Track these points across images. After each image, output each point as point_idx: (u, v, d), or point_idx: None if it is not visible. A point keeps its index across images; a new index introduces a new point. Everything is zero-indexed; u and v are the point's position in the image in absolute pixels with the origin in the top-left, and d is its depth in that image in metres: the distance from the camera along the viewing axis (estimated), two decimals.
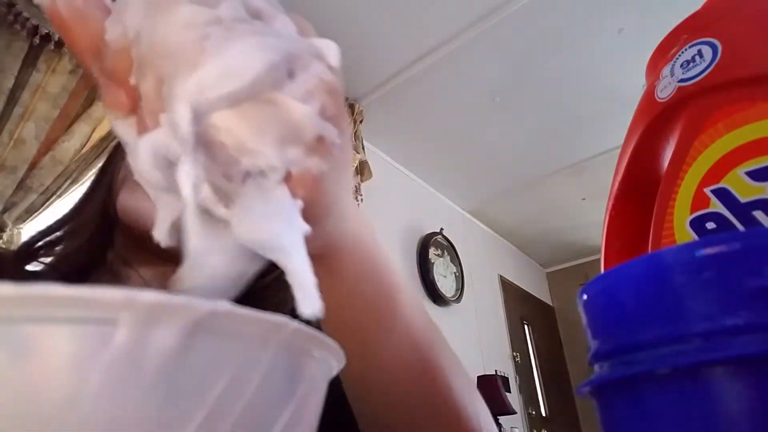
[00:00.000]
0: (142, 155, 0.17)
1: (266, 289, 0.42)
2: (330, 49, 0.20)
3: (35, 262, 0.43)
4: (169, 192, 0.18)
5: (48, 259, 0.44)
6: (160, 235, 0.19)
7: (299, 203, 0.19)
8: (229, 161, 0.18)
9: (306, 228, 0.18)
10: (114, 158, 0.45)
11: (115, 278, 0.43)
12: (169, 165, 0.17)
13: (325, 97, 0.19)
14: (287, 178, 0.19)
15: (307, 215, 0.19)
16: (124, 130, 0.19)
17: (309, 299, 0.16)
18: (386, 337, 0.28)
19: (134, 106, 0.19)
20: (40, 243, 0.44)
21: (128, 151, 0.19)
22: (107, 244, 0.44)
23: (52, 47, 1.48)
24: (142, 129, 0.18)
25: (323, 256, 0.25)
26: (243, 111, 0.17)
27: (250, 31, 0.17)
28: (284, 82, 0.18)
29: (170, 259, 0.43)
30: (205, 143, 0.17)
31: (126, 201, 0.40)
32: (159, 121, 0.17)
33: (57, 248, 0.44)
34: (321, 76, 0.19)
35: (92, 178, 0.48)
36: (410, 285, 0.30)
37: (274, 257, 0.18)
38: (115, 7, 0.19)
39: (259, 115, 0.17)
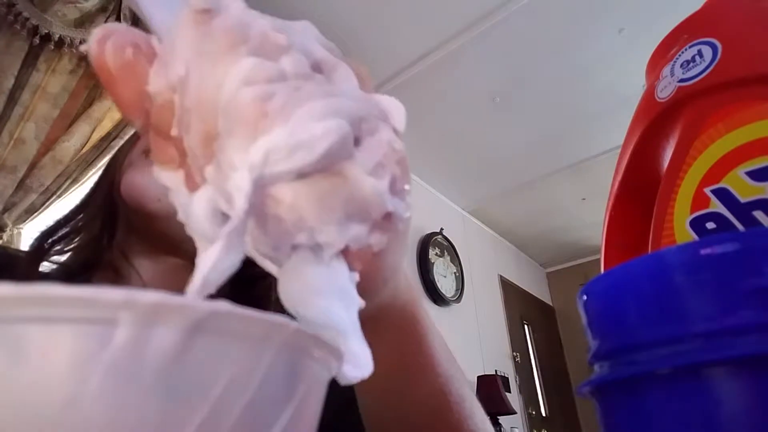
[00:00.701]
0: (197, 213, 0.17)
1: (269, 288, 0.42)
2: (396, 110, 0.19)
3: (46, 261, 0.43)
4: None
5: (58, 257, 0.44)
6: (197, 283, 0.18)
7: (356, 277, 0.18)
8: (283, 235, 0.16)
9: (361, 303, 0.17)
10: (117, 158, 0.45)
11: (116, 276, 0.43)
12: (223, 219, 0.16)
13: (395, 168, 0.17)
14: (345, 251, 0.17)
15: (363, 287, 0.18)
16: (172, 181, 0.18)
17: (362, 361, 0.16)
18: (414, 385, 0.30)
19: (182, 160, 0.17)
20: (50, 239, 0.44)
21: (176, 202, 0.18)
22: (113, 237, 0.45)
23: (52, 47, 1.48)
24: (192, 185, 0.17)
25: (370, 318, 0.25)
26: (307, 184, 0.15)
27: (317, 93, 0.16)
28: (352, 150, 0.16)
29: (170, 250, 0.43)
30: (259, 215, 0.16)
31: (131, 179, 0.40)
32: (205, 176, 0.16)
33: (66, 244, 0.44)
34: (391, 144, 0.17)
35: (98, 174, 0.49)
36: (435, 326, 0.31)
37: (324, 333, 0.16)
38: (160, 56, 0.17)
39: (324, 188, 0.16)
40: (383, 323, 0.26)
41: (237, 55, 0.16)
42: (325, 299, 0.16)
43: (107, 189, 0.44)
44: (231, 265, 0.15)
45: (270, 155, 0.15)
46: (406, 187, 0.18)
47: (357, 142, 0.16)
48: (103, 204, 0.44)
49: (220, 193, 0.16)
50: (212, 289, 0.15)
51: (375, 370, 0.22)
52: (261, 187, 0.15)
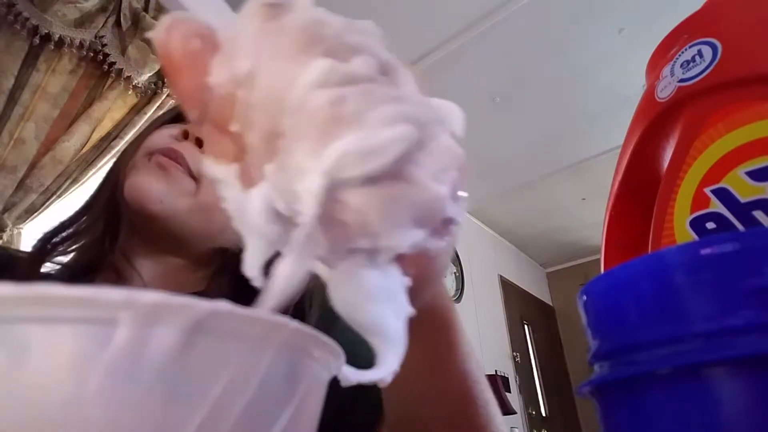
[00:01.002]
0: (253, 209, 0.16)
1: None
2: (454, 115, 0.19)
3: (49, 262, 0.43)
4: (270, 241, 0.17)
5: (61, 258, 0.44)
6: (252, 273, 0.18)
7: (407, 281, 0.18)
8: (344, 239, 0.16)
9: (410, 311, 0.17)
10: (121, 160, 0.45)
11: (118, 277, 0.43)
12: (278, 218, 0.16)
13: (455, 174, 0.18)
14: (399, 255, 0.17)
15: (411, 290, 0.18)
16: (224, 174, 0.18)
17: (387, 366, 0.16)
18: (443, 386, 0.30)
19: (238, 155, 0.17)
20: (53, 241, 0.44)
21: (225, 195, 0.18)
22: (115, 240, 0.45)
23: (52, 47, 1.48)
24: (248, 181, 0.17)
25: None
26: (375, 189, 0.15)
27: (386, 97, 0.16)
28: (418, 155, 0.16)
29: (171, 251, 0.43)
30: (323, 219, 0.15)
31: (134, 181, 0.40)
32: (265, 173, 0.16)
33: (69, 245, 0.44)
34: (453, 150, 0.17)
35: (98, 174, 0.49)
36: (464, 330, 0.31)
37: (371, 339, 0.17)
38: (224, 48, 0.17)
39: (391, 194, 0.16)
40: (419, 323, 0.27)
41: (311, 55, 0.16)
42: (378, 305, 0.16)
43: (110, 191, 0.44)
44: (304, 273, 0.15)
45: (342, 161, 0.15)
46: (464, 194, 0.18)
47: (420, 146, 0.16)
48: (106, 206, 0.44)
49: (279, 192, 0.16)
50: (286, 299, 0.15)
51: (406, 369, 0.21)
52: (330, 192, 0.15)
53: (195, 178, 0.41)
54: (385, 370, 0.16)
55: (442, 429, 0.30)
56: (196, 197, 0.41)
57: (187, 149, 0.41)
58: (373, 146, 0.15)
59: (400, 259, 0.17)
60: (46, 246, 0.43)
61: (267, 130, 0.16)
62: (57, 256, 0.44)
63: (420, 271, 0.19)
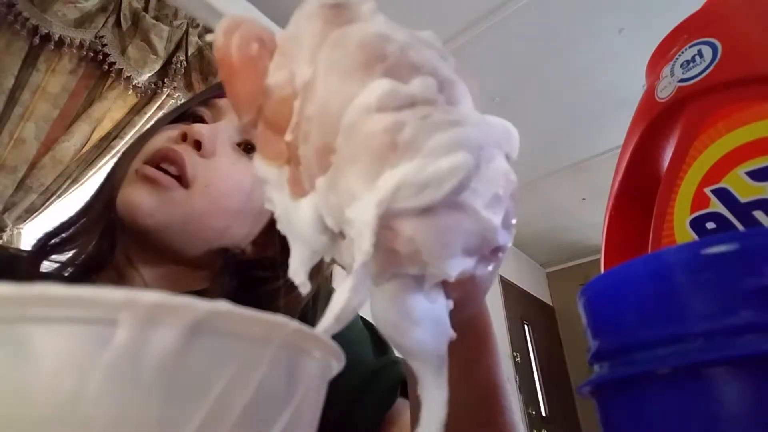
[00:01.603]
0: (303, 217, 0.16)
1: (277, 292, 0.42)
2: (510, 136, 0.19)
3: (48, 261, 0.43)
4: (316, 250, 0.17)
5: (60, 257, 0.44)
6: (299, 279, 0.18)
7: (450, 304, 0.18)
8: (393, 265, 0.16)
9: (452, 335, 0.17)
10: (122, 160, 0.45)
11: (119, 278, 0.43)
12: (326, 230, 0.16)
13: (509, 202, 0.17)
14: (445, 281, 0.17)
15: (453, 311, 0.18)
16: (274, 176, 0.18)
17: (431, 425, 0.15)
18: (471, 386, 0.30)
19: (289, 159, 0.17)
20: (51, 242, 0.44)
21: (272, 197, 0.18)
22: (114, 244, 0.45)
23: (52, 47, 1.48)
24: (297, 187, 0.17)
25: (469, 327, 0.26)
26: (429, 219, 0.15)
27: (444, 123, 0.15)
28: (472, 182, 0.16)
29: (170, 258, 0.43)
30: (375, 245, 0.15)
31: (125, 196, 0.40)
32: (315, 185, 0.16)
33: (68, 247, 0.44)
34: (507, 176, 0.17)
35: (98, 175, 0.49)
36: (495, 334, 0.32)
37: (411, 362, 0.16)
38: (282, 48, 0.17)
39: (444, 224, 0.15)
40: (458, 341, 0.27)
41: (371, 73, 0.15)
42: (420, 329, 0.16)
43: (108, 195, 0.44)
44: (360, 301, 0.15)
45: (398, 191, 0.15)
46: (514, 221, 0.18)
47: (476, 169, 0.16)
48: (104, 210, 0.44)
49: (328, 208, 0.16)
50: (342, 326, 0.15)
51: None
52: (384, 220, 0.15)
53: (190, 182, 0.41)
54: (432, 423, 0.16)
55: None
56: (188, 205, 0.40)
57: (184, 151, 0.41)
58: (430, 177, 0.15)
59: (446, 283, 0.17)
60: (45, 247, 0.43)
61: (322, 144, 0.16)
62: (55, 255, 0.44)
63: (464, 295, 0.19)
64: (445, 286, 0.18)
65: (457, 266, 0.16)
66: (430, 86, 0.16)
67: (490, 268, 0.18)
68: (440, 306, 0.17)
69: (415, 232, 0.15)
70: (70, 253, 0.44)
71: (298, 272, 0.18)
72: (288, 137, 0.17)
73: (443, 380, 0.16)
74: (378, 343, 0.46)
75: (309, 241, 0.17)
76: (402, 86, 0.15)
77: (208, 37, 0.18)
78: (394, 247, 0.15)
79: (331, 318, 0.15)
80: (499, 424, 0.31)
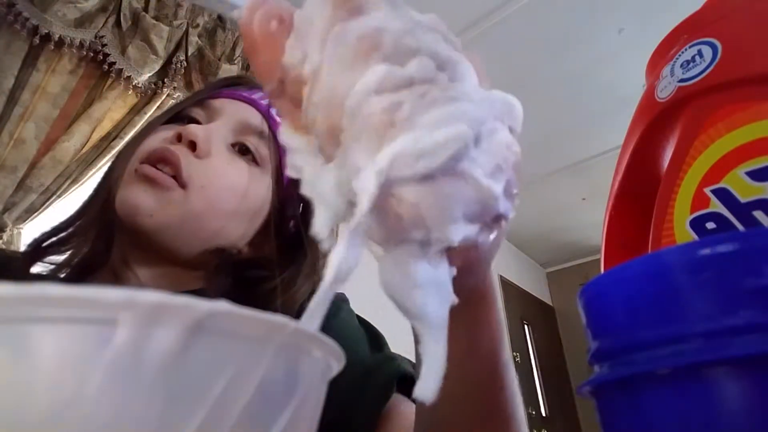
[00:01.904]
0: (328, 182, 0.18)
1: (274, 291, 0.42)
2: (514, 109, 0.20)
3: (42, 263, 0.43)
4: (336, 214, 0.18)
5: (55, 259, 0.44)
6: (321, 236, 0.19)
7: (454, 271, 0.18)
8: (399, 230, 0.17)
9: (454, 300, 0.18)
10: (117, 161, 0.45)
11: (115, 278, 0.43)
12: (345, 196, 0.18)
13: (510, 172, 0.18)
14: (449, 247, 0.18)
15: (457, 279, 0.19)
16: (300, 145, 0.19)
17: (428, 385, 0.16)
18: (478, 367, 0.30)
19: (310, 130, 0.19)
20: (46, 243, 0.44)
21: (301, 164, 0.19)
22: (111, 245, 0.45)
23: (52, 47, 1.47)
24: (322, 158, 0.19)
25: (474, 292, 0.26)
26: (429, 186, 0.16)
27: (441, 99, 0.17)
28: (473, 153, 0.17)
29: (167, 259, 0.43)
30: (380, 211, 0.17)
31: (124, 196, 0.40)
32: (333, 155, 0.17)
33: (63, 248, 0.44)
34: (510, 147, 0.18)
35: (98, 175, 0.49)
36: (502, 313, 0.31)
37: (414, 324, 0.17)
38: (297, 28, 0.18)
39: (445, 191, 0.17)
40: (461, 313, 0.27)
41: (369, 61, 0.17)
42: (424, 293, 0.17)
43: (105, 196, 0.44)
44: (355, 258, 0.16)
45: (396, 162, 0.16)
46: (516, 191, 0.19)
47: (477, 142, 0.17)
48: (100, 211, 0.44)
49: (340, 181, 0.17)
50: (344, 282, 0.16)
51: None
52: (385, 188, 0.16)
53: (186, 183, 0.41)
54: (429, 383, 0.16)
55: (469, 414, 0.30)
56: (185, 206, 0.41)
57: (179, 152, 0.41)
58: (426, 147, 0.16)
59: (449, 251, 0.18)
60: (38, 248, 0.43)
61: (329, 126, 0.17)
62: (49, 257, 0.44)
63: (467, 263, 0.19)
64: (449, 254, 0.18)
65: (459, 232, 0.17)
66: (426, 66, 0.17)
67: (493, 236, 0.19)
68: (443, 272, 0.18)
69: (416, 197, 0.16)
70: (65, 255, 0.44)
71: (321, 230, 0.19)
72: (302, 121, 0.18)
73: (443, 338, 0.17)
74: (373, 340, 0.46)
75: (331, 204, 0.18)
76: (398, 69, 0.17)
77: (234, 14, 0.20)
78: (399, 212, 0.17)
79: (331, 275, 0.16)
80: (499, 399, 0.30)
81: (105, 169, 0.48)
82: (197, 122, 0.46)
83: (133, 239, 0.42)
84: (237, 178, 0.43)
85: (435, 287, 0.18)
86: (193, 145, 0.42)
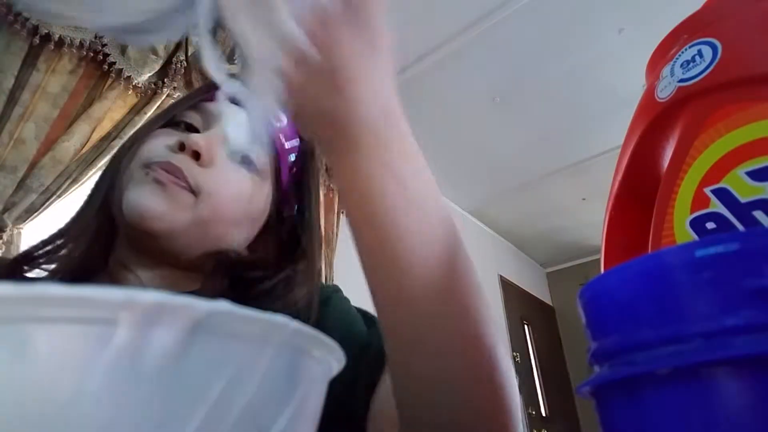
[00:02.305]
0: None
1: (271, 291, 0.42)
2: None
3: (37, 269, 0.44)
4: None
5: (49, 266, 0.44)
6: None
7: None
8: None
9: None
10: (114, 163, 0.45)
11: (112, 282, 0.43)
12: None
13: None
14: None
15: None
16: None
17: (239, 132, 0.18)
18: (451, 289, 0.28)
19: None
20: (40, 251, 0.44)
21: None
22: (107, 250, 0.45)
23: (52, 47, 1.48)
24: None
25: (336, 139, 0.26)
26: None
27: None
28: None
29: (169, 263, 0.43)
30: None
31: (134, 198, 0.40)
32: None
33: (56, 255, 0.44)
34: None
35: (97, 175, 0.49)
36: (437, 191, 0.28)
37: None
38: None
39: None
40: (353, 152, 0.26)
41: None
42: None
43: (101, 200, 0.44)
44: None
45: None
46: None
47: None
48: (97, 214, 0.44)
49: None
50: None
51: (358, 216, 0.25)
52: None
53: (194, 191, 0.41)
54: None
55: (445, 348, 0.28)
56: (194, 211, 0.41)
57: (184, 162, 0.41)
58: None
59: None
60: (33, 253, 0.44)
61: None
62: (43, 263, 0.44)
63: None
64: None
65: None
66: None
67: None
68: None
69: None
70: (57, 263, 0.44)
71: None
72: None
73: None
74: (368, 319, 0.46)
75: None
76: None
77: None
78: None
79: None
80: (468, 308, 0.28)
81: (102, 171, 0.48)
82: (194, 127, 0.46)
83: (135, 241, 0.42)
84: (241, 186, 0.44)
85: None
86: (196, 155, 0.42)
